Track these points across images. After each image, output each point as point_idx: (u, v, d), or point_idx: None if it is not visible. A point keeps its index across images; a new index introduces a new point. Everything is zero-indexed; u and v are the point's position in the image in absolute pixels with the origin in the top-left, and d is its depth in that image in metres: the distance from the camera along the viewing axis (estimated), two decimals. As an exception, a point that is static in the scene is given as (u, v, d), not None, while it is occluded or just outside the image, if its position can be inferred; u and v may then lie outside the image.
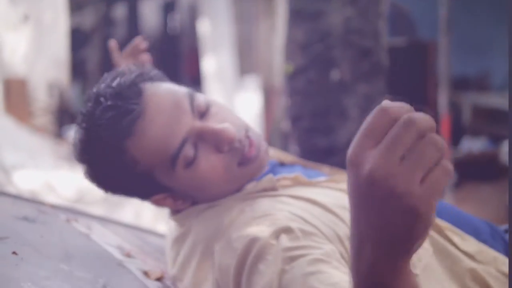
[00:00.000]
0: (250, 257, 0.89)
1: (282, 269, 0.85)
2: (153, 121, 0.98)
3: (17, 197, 1.40)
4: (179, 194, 1.05)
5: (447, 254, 0.96)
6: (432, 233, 0.99)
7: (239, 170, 1.03)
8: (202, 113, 1.02)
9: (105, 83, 1.02)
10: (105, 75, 1.05)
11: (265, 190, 1.04)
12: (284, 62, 2.30)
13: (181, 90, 1.04)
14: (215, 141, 1.00)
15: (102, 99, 0.99)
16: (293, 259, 0.85)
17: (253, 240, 0.90)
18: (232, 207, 1.01)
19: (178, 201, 1.07)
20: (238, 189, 1.05)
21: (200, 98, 1.03)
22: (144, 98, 0.99)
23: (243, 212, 0.99)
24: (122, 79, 1.01)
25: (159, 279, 1.08)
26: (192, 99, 1.02)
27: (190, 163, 0.99)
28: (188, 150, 0.99)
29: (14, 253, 0.96)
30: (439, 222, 1.00)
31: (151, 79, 1.04)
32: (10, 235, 1.03)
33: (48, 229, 1.21)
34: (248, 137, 1.04)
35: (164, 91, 1.02)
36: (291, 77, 2.23)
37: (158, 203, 1.08)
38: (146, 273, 1.10)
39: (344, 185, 1.07)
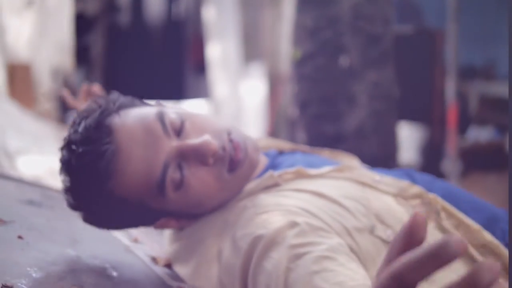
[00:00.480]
0: (255, 256, 0.88)
1: (287, 267, 0.83)
2: (129, 155, 0.94)
3: (22, 181, 1.38)
4: (180, 215, 1.03)
5: None
6: (446, 223, 0.97)
7: (230, 177, 1.00)
8: (178, 130, 0.98)
9: (73, 128, 0.98)
10: (74, 117, 1.01)
11: (267, 187, 1.01)
12: (292, 48, 2.27)
13: (150, 113, 0.99)
14: (198, 157, 0.96)
15: (73, 146, 0.95)
16: (298, 256, 0.84)
17: (257, 238, 0.88)
18: (235, 205, 1.00)
19: (181, 220, 1.04)
20: (238, 193, 1.02)
21: (171, 115, 0.98)
22: (113, 135, 0.95)
23: (246, 209, 0.97)
24: (87, 121, 0.97)
25: (167, 265, 1.06)
26: (162, 120, 0.97)
27: (179, 185, 0.96)
28: (173, 173, 0.95)
29: (19, 237, 0.94)
30: (453, 210, 0.98)
31: (118, 109, 1.00)
32: (15, 219, 1.01)
33: (54, 213, 1.19)
34: (231, 140, 1.00)
35: (132, 120, 0.97)
36: (299, 63, 2.20)
37: (162, 227, 1.05)
38: (154, 259, 1.08)
39: (349, 174, 1.04)
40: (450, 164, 4.06)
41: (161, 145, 0.95)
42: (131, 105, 1.02)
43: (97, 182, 0.94)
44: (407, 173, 1.11)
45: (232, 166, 0.99)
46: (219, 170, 0.98)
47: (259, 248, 0.87)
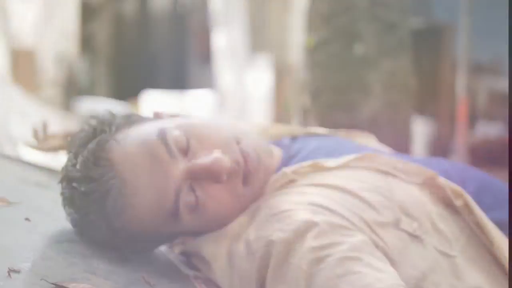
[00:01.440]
0: (272, 261, 0.82)
1: (309, 273, 0.79)
2: (136, 188, 0.87)
3: (28, 163, 1.33)
4: (197, 233, 0.96)
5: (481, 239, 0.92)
6: (466, 216, 0.93)
7: (246, 189, 0.93)
8: (184, 150, 0.90)
9: (71, 163, 0.90)
10: (68, 146, 0.93)
11: (282, 186, 0.94)
12: (305, 35, 2.23)
13: (151, 134, 0.90)
14: (211, 176, 0.89)
15: (75, 184, 0.88)
16: (320, 260, 0.79)
17: (273, 242, 0.83)
18: (249, 206, 0.93)
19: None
20: (256, 200, 0.95)
21: (174, 132, 0.90)
22: (115, 168, 0.87)
23: (259, 209, 0.90)
24: (84, 154, 0.88)
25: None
26: (165, 140, 0.88)
27: (194, 207, 0.89)
28: (187, 197, 0.88)
29: (27, 219, 0.89)
30: (473, 207, 0.93)
31: (115, 133, 0.91)
32: (22, 201, 0.96)
33: (62, 196, 1.15)
34: (241, 150, 0.92)
35: (133, 146, 0.89)
36: (313, 50, 2.15)
37: (180, 244, 1.00)
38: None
39: (370, 163, 0.97)
40: (458, 159, 4.01)
41: (169, 170, 0.88)
42: (128, 124, 0.93)
43: (106, 220, 0.88)
44: (438, 161, 1.06)
45: (246, 178, 0.92)
46: (233, 184, 0.91)
47: (276, 252, 0.82)
